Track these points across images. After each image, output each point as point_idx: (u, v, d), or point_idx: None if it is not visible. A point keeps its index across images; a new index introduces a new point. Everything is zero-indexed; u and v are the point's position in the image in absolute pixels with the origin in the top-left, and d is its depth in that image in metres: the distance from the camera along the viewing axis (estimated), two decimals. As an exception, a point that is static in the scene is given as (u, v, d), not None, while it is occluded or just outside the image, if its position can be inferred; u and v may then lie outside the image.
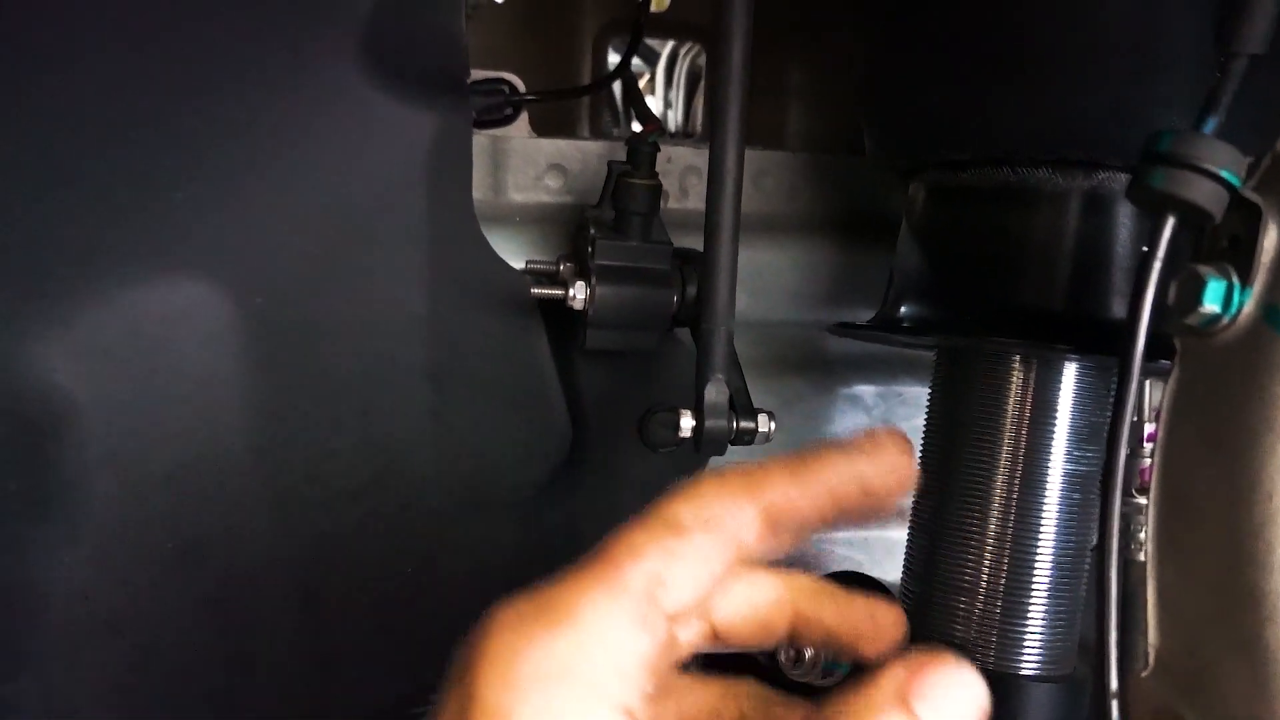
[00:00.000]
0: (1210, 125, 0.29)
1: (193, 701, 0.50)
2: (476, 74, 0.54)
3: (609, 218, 0.50)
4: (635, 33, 0.57)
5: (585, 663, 0.25)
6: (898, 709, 0.26)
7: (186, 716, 0.50)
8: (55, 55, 0.44)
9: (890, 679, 0.27)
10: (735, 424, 0.43)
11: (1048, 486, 0.45)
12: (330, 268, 0.49)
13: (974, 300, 0.45)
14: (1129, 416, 0.31)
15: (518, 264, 0.53)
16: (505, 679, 0.24)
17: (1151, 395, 0.60)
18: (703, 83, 1.09)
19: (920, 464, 0.49)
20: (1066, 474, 0.45)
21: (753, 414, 0.44)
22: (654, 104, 1.23)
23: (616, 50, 0.78)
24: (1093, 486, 0.44)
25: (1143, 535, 0.35)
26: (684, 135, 1.14)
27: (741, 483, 0.29)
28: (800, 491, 0.29)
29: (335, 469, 0.51)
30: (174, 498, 0.49)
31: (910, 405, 0.62)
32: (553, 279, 0.51)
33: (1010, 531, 0.45)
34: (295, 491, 0.51)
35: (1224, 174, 0.29)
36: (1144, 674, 0.33)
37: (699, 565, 0.27)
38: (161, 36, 0.45)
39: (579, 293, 0.48)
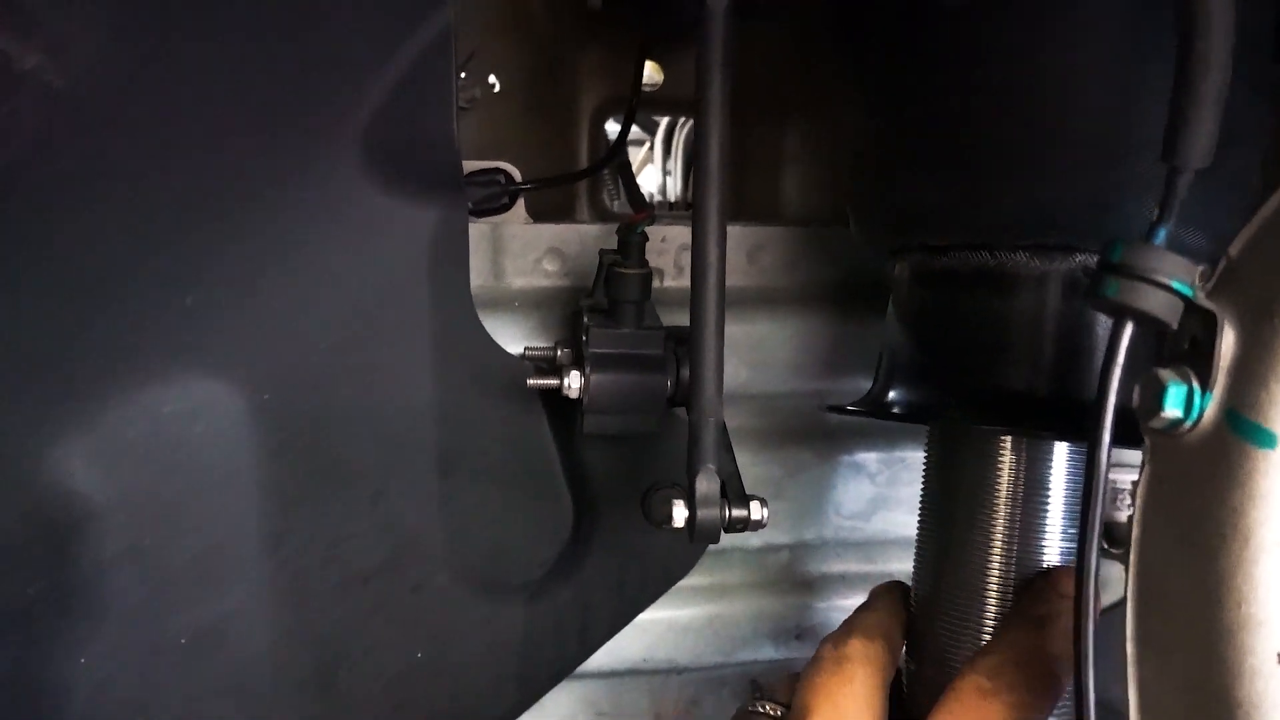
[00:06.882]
0: (1160, 236, 0.30)
1: (212, 787, 0.51)
2: (474, 165, 0.56)
3: (602, 305, 0.52)
4: (628, 116, 0.59)
5: None
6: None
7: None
8: (77, 175, 0.47)
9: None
10: (728, 513, 0.44)
11: (1044, 564, 0.45)
12: (338, 361, 0.51)
13: (960, 384, 0.45)
14: (1098, 519, 0.32)
15: (518, 348, 0.54)
16: None
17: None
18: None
19: (918, 538, 0.50)
20: (1064, 551, 0.45)
21: (745, 502, 0.44)
22: (653, 173, 1.24)
23: (617, 121, 0.79)
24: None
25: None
26: (684, 206, 1.14)
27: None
28: None
29: (348, 554, 0.53)
30: (191, 587, 0.50)
31: (913, 470, 0.63)
32: (550, 364, 0.52)
33: (1007, 607, 0.45)
34: (310, 576, 0.52)
35: (1175, 285, 0.29)
36: (1125, 770, 0.33)
37: None
38: (174, 155, 0.47)
39: (574, 382, 0.49)
